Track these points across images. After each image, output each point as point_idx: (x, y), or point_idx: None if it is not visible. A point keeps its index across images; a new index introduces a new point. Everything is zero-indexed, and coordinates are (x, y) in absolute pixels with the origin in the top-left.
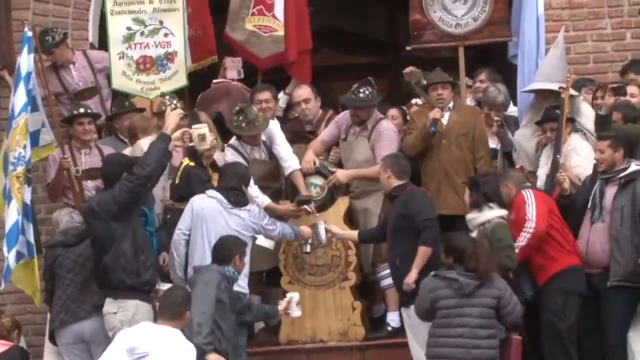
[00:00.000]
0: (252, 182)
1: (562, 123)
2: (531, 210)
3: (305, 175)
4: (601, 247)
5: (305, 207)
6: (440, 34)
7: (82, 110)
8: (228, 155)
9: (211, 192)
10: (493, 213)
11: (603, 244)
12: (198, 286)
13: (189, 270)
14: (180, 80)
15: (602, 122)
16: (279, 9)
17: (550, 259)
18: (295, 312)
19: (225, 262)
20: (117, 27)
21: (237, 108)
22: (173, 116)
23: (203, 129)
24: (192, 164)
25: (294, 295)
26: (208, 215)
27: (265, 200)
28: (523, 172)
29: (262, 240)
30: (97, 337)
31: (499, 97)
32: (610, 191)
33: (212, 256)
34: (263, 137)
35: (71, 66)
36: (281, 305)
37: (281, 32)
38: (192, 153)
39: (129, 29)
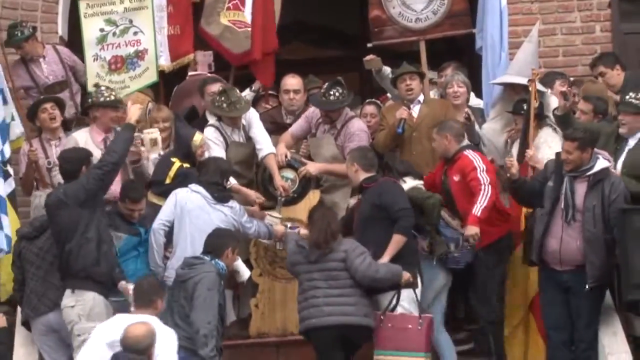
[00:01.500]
0: None
1: (529, 117)
2: (484, 178)
3: (278, 168)
4: (577, 245)
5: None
6: (401, 29)
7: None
8: (211, 134)
9: (195, 187)
10: (406, 186)
11: (579, 242)
12: (200, 291)
13: (168, 263)
14: (151, 77)
15: (563, 122)
16: (247, 8)
17: (494, 226)
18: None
19: (217, 253)
20: (90, 29)
21: (220, 89)
22: (134, 109)
23: (154, 133)
24: (187, 165)
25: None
26: (192, 210)
27: (230, 181)
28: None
29: None
30: (64, 326)
31: (456, 75)
32: (580, 189)
33: (205, 246)
34: (243, 121)
35: (41, 60)
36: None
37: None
38: (185, 154)
39: (101, 30)
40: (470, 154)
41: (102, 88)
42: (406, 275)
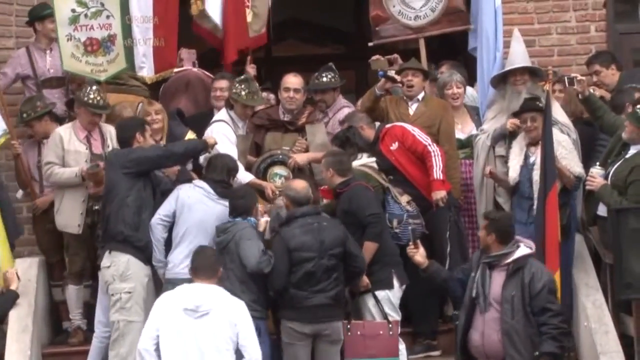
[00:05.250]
0: (236, 159)
1: (549, 121)
2: (423, 136)
3: (270, 165)
4: (498, 337)
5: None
6: (401, 27)
7: (27, 114)
8: (222, 130)
9: (198, 182)
10: (356, 163)
11: (500, 334)
12: (242, 244)
13: (169, 258)
14: (121, 63)
15: (588, 109)
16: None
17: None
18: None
19: (248, 213)
20: (62, 9)
21: (242, 77)
22: (212, 140)
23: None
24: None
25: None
26: (193, 204)
27: (246, 177)
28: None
29: None
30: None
31: (454, 75)
32: (498, 278)
33: (233, 209)
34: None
35: (47, 51)
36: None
37: (249, 19)
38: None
39: (73, 10)
40: (395, 125)
41: (94, 88)
42: (364, 281)
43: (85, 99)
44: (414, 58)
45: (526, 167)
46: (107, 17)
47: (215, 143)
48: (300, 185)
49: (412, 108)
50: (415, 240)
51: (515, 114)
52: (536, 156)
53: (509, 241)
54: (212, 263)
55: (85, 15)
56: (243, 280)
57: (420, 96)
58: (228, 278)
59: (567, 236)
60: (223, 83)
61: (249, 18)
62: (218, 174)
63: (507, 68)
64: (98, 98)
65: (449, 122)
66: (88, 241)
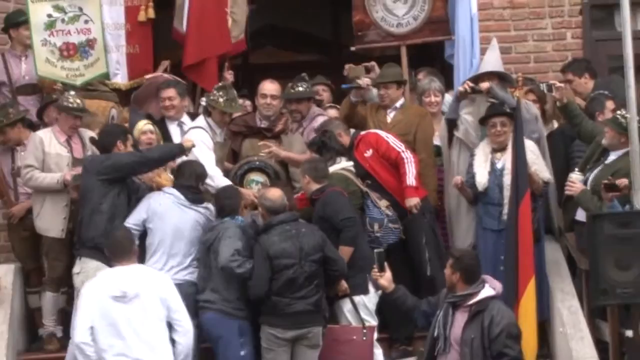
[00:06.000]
0: (214, 165)
1: (521, 126)
2: (397, 143)
3: (247, 171)
4: None
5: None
6: (383, 33)
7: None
8: (201, 137)
9: (169, 189)
10: (335, 167)
11: None
12: (223, 240)
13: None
14: (101, 67)
15: (566, 116)
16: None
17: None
18: None
19: (235, 211)
20: (38, 14)
21: (220, 84)
22: (190, 143)
23: None
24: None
25: None
26: (165, 212)
27: (222, 182)
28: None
29: None
30: None
31: (433, 83)
32: (461, 319)
33: (221, 209)
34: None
35: (22, 58)
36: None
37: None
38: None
39: (49, 16)
40: (371, 131)
41: (72, 93)
42: (343, 285)
43: (65, 103)
44: (390, 63)
45: (494, 173)
46: (86, 22)
47: (193, 146)
48: (275, 194)
49: (390, 116)
50: (380, 263)
51: (483, 119)
52: (504, 162)
53: (475, 281)
54: (126, 244)
55: (63, 20)
56: (227, 279)
57: (398, 104)
58: (212, 278)
59: (538, 240)
60: (170, 92)
61: (228, 24)
62: (186, 180)
63: (476, 73)
64: (78, 101)
65: (426, 129)
66: (68, 246)
